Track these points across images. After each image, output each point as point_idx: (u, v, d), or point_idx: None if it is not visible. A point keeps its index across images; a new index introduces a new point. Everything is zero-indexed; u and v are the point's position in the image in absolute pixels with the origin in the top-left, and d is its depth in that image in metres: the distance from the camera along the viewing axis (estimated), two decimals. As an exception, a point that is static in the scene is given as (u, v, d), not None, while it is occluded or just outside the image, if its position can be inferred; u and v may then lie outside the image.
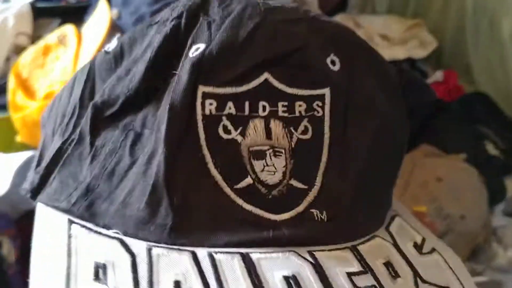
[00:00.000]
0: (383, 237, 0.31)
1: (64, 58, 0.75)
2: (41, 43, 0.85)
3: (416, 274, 0.29)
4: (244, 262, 0.26)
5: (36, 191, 0.32)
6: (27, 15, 0.96)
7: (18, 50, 0.95)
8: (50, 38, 0.84)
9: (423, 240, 0.32)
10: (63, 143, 0.32)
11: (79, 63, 0.71)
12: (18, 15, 0.95)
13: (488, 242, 0.74)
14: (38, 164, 0.33)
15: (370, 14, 1.16)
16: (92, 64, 0.34)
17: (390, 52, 1.04)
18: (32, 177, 0.33)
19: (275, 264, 0.26)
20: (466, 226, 0.71)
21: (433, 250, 0.32)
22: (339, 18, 1.13)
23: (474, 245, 0.73)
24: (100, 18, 0.75)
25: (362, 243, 0.29)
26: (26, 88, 0.77)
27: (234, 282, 0.25)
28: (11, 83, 0.79)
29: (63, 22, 1.01)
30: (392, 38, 1.09)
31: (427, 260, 0.31)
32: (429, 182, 0.75)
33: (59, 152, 0.32)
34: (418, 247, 0.31)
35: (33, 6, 0.99)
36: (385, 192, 0.34)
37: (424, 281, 0.29)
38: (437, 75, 1.05)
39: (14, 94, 0.77)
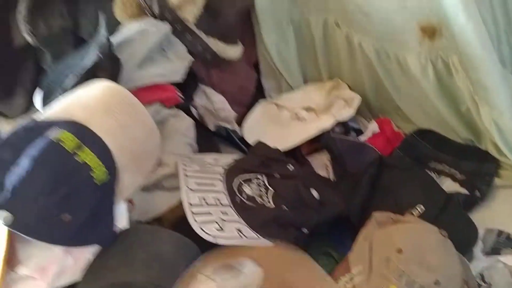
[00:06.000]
0: None
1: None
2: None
3: None
4: None
5: None
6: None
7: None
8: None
9: None
10: None
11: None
12: None
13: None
14: None
15: (288, 91, 1.15)
16: None
17: (318, 124, 1.01)
18: None
19: None
20: (445, 290, 0.65)
21: None
22: (262, 106, 1.12)
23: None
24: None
25: None
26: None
27: None
28: None
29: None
30: (317, 107, 1.07)
31: None
32: (391, 257, 0.70)
33: None
34: None
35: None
36: None
37: None
38: (373, 127, 1.03)
39: None
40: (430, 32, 0.85)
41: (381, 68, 0.98)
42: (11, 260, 0.68)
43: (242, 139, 1.02)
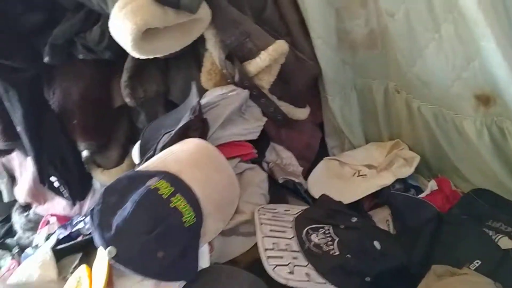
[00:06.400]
0: None
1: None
2: (64, 288, 0.93)
3: None
4: None
5: None
6: (51, 262, 1.06)
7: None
8: (70, 282, 0.92)
9: None
10: None
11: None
12: (42, 265, 1.04)
13: None
14: None
15: (350, 149, 1.24)
16: None
17: (379, 181, 1.09)
18: None
19: None
20: None
21: None
22: (325, 162, 1.21)
23: None
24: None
25: None
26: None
27: None
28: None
29: (84, 255, 1.11)
30: (378, 165, 1.15)
31: None
32: (448, 307, 0.75)
33: None
34: None
35: (54, 250, 1.09)
36: None
37: None
38: (431, 185, 1.08)
39: None
40: (485, 100, 0.92)
41: (439, 131, 1.05)
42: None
43: (307, 192, 1.11)
